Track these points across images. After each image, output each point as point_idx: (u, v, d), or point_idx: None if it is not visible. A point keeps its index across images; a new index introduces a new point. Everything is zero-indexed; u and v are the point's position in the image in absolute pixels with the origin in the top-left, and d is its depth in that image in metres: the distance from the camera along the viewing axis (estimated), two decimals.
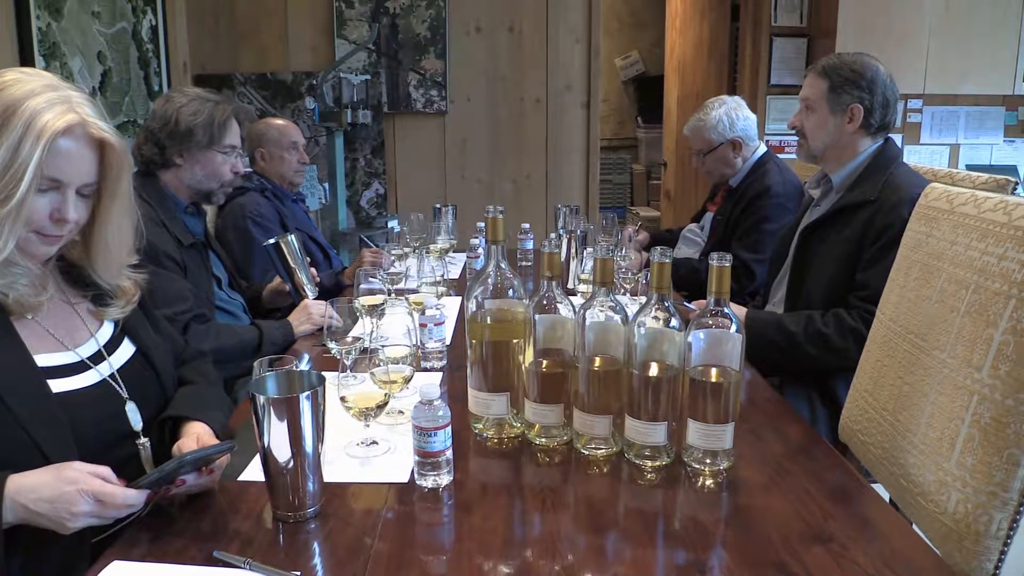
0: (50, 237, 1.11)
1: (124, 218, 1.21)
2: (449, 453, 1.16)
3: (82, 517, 0.96)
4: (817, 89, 1.99)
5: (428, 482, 1.15)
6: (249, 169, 2.99)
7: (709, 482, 1.19)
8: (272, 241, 2.08)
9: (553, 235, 2.32)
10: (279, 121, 2.85)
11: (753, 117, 2.84)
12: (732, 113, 2.79)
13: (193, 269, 1.92)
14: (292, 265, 2.09)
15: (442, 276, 2.20)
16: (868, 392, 1.48)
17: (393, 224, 2.89)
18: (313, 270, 2.22)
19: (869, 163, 1.95)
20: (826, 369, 1.89)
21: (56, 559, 1.06)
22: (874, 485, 1.26)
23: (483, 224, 2.31)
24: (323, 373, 1.11)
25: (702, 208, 3.12)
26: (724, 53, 5.16)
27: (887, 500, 1.33)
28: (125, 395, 1.20)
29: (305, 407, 1.04)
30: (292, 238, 2.10)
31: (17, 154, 1.03)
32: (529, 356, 1.29)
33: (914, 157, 4.43)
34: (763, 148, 2.84)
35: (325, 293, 2.35)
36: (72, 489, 0.96)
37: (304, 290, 2.11)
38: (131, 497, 0.98)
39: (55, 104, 1.07)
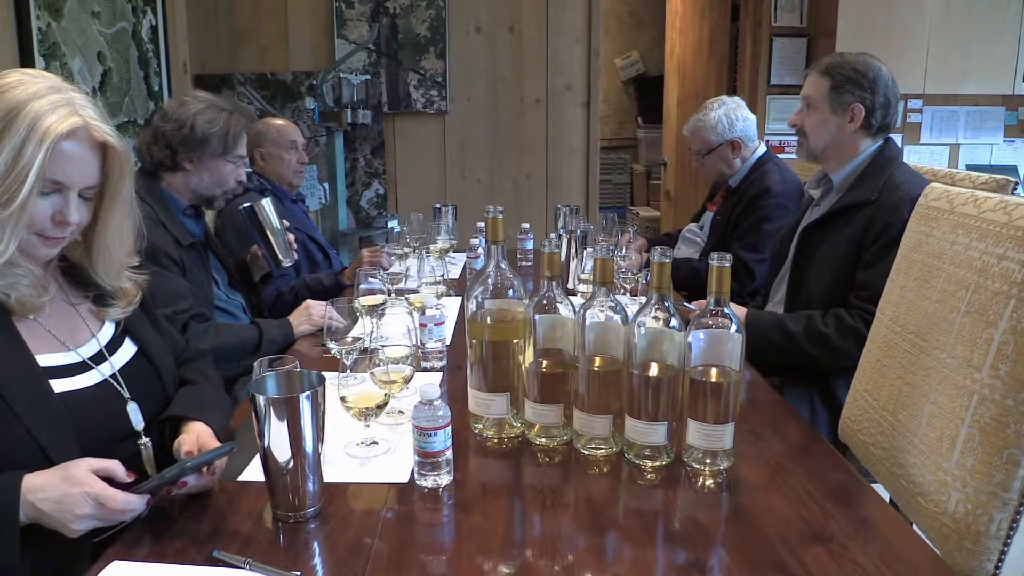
0: (51, 239, 1.11)
1: (125, 220, 1.21)
2: (449, 453, 1.16)
3: (85, 520, 0.97)
4: (819, 88, 1.98)
5: (428, 482, 1.15)
6: (248, 169, 2.99)
7: (709, 482, 1.19)
8: (246, 206, 2.07)
9: (553, 235, 2.32)
10: (279, 121, 2.84)
11: (753, 118, 2.84)
12: (732, 114, 2.80)
13: (192, 269, 1.93)
14: (267, 232, 2.08)
15: (442, 276, 2.20)
16: (868, 392, 1.48)
17: (393, 224, 2.89)
18: (291, 236, 2.22)
19: (869, 163, 1.95)
20: (826, 369, 1.89)
21: (57, 559, 1.06)
22: (874, 485, 1.26)
23: (483, 224, 2.31)
24: (323, 373, 1.11)
25: (701, 207, 3.12)
26: (724, 53, 5.16)
27: (887, 500, 1.33)
28: (127, 395, 1.20)
29: (305, 407, 1.04)
30: (266, 203, 2.08)
31: (20, 157, 1.03)
32: (529, 356, 1.29)
33: (914, 157, 4.43)
34: (763, 148, 2.84)
35: (325, 293, 2.35)
36: (77, 491, 0.96)
37: (279, 255, 2.10)
38: (132, 503, 0.98)
39: (59, 107, 1.07)
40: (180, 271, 1.85)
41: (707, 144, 2.81)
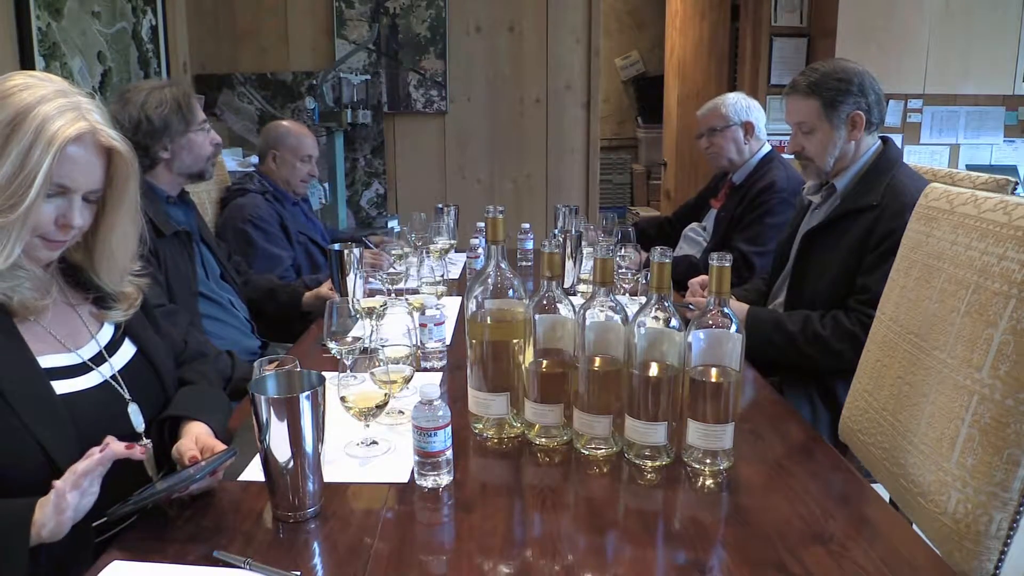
0: (53, 242, 1.12)
1: (129, 225, 1.21)
2: (449, 453, 1.16)
3: (68, 518, 0.96)
4: (810, 110, 1.96)
5: (428, 482, 1.15)
6: (251, 169, 3.00)
7: (709, 482, 1.19)
8: (337, 247, 2.06)
9: (554, 232, 2.31)
10: (299, 130, 2.86)
11: (763, 115, 2.88)
12: (748, 100, 2.86)
13: (173, 257, 1.93)
14: (347, 276, 2.05)
15: (442, 276, 2.20)
16: (868, 392, 1.48)
17: (393, 224, 2.89)
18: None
19: (870, 166, 1.94)
20: (823, 370, 1.89)
21: (57, 558, 1.05)
22: (874, 485, 1.26)
23: (483, 224, 2.31)
24: (323, 373, 1.11)
25: (704, 201, 3.11)
26: (724, 53, 5.16)
27: (887, 500, 1.33)
28: (127, 396, 1.20)
29: (305, 407, 1.04)
30: (357, 251, 2.07)
31: (27, 161, 1.03)
32: (529, 356, 1.29)
33: (914, 157, 4.43)
34: (768, 147, 2.86)
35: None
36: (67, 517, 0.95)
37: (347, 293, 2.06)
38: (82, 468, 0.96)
39: (66, 111, 1.07)
40: (154, 260, 1.84)
41: (723, 119, 2.82)
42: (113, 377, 1.20)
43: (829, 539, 1.03)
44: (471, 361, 1.34)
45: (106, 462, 0.98)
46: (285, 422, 1.03)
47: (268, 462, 1.06)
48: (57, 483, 0.96)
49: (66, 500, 0.95)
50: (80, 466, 0.96)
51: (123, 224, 1.20)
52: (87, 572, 0.96)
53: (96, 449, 0.98)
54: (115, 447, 0.99)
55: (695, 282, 2.15)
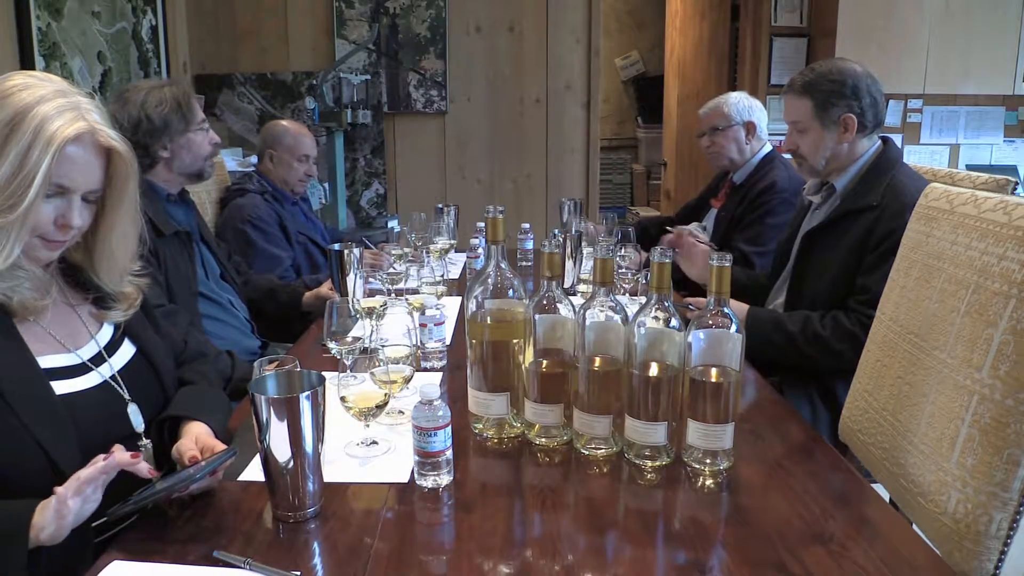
0: (53, 242, 1.12)
1: (129, 225, 1.21)
2: (449, 453, 1.16)
3: (68, 522, 0.96)
4: (803, 109, 1.96)
5: (428, 482, 1.15)
6: (251, 169, 3.00)
7: (709, 482, 1.19)
8: (337, 247, 2.05)
9: (553, 232, 2.31)
10: (297, 129, 2.85)
11: (765, 115, 2.89)
12: (749, 100, 2.87)
13: (173, 257, 1.93)
14: (347, 276, 2.04)
15: (442, 276, 2.20)
16: (868, 392, 1.48)
17: (393, 224, 2.89)
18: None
19: (870, 167, 1.94)
20: (823, 370, 1.89)
21: (57, 559, 1.05)
22: (874, 485, 1.26)
23: (483, 224, 2.31)
24: (323, 373, 1.11)
25: (704, 201, 3.12)
26: (724, 53, 5.16)
27: (887, 500, 1.33)
28: (127, 396, 1.20)
29: (305, 407, 1.04)
30: (357, 251, 2.07)
31: (26, 161, 1.03)
32: (529, 356, 1.29)
33: (914, 157, 4.43)
34: (769, 147, 2.86)
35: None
36: (67, 522, 0.95)
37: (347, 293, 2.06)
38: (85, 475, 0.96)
39: (65, 111, 1.07)
40: (154, 260, 1.83)
41: (725, 119, 2.83)
42: (113, 377, 1.20)
43: (829, 539, 1.03)
44: (471, 361, 1.34)
45: (110, 471, 0.97)
46: (285, 422, 1.03)
47: (268, 462, 1.06)
48: (59, 489, 0.95)
49: (67, 506, 0.94)
50: (84, 473, 0.96)
51: (123, 224, 1.20)
52: (87, 572, 0.96)
53: (101, 457, 0.98)
54: (120, 457, 0.98)
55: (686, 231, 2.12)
